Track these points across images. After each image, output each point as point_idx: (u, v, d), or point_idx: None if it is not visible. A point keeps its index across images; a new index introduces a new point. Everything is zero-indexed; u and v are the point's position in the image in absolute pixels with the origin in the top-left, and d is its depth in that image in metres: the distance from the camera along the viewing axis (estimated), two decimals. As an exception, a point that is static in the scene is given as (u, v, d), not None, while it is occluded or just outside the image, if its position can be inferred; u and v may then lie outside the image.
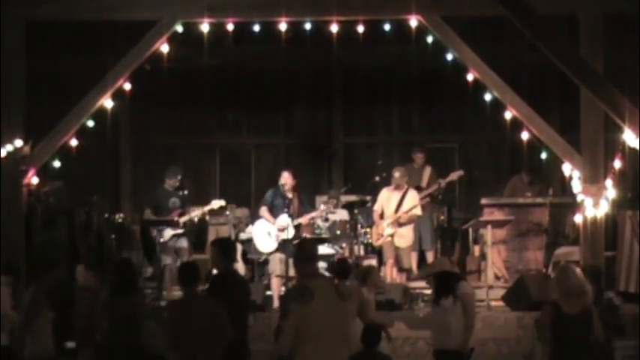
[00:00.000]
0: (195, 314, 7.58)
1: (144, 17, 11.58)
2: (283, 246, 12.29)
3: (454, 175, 13.81)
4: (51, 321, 8.51)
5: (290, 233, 12.35)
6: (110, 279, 8.50)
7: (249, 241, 13.08)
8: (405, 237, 12.60)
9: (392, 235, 12.59)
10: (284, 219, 12.36)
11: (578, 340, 7.48)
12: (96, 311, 8.53)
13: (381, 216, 12.78)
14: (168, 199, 12.60)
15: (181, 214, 12.50)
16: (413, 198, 12.71)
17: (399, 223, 12.57)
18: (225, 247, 8.53)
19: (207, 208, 12.82)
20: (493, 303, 11.52)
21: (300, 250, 7.15)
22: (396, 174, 12.76)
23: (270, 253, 12.37)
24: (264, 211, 12.54)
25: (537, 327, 7.85)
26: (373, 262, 12.91)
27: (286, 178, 12.47)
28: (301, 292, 6.76)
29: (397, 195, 12.70)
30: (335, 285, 7.17)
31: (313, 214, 12.68)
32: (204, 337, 7.50)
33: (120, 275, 8.28)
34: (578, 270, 7.76)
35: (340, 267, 9.70)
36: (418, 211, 12.70)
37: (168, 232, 12.41)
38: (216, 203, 12.86)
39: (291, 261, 12.37)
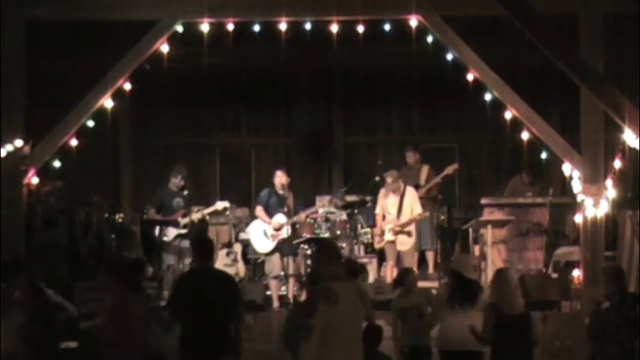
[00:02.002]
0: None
1: (144, 17, 11.57)
2: (281, 246, 12.31)
3: (449, 169, 13.81)
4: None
5: (286, 232, 12.36)
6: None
7: (248, 242, 13.10)
8: (406, 242, 12.56)
9: (392, 241, 12.57)
10: (280, 218, 12.38)
11: (517, 341, 7.83)
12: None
13: (384, 217, 12.74)
14: (173, 199, 12.61)
15: (185, 215, 12.50)
16: (412, 198, 12.67)
17: (398, 231, 12.53)
18: (198, 246, 8.48)
19: (211, 209, 12.82)
20: (493, 303, 11.50)
21: (320, 251, 7.31)
22: (389, 179, 12.62)
23: (267, 254, 12.39)
24: (259, 210, 12.56)
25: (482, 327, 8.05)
26: (373, 262, 12.93)
27: (281, 177, 12.50)
28: (327, 294, 6.90)
29: (396, 197, 12.65)
30: (357, 288, 7.25)
31: (310, 210, 12.70)
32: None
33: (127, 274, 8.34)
34: (512, 273, 8.27)
35: (350, 267, 9.62)
36: (418, 210, 12.64)
37: (172, 232, 12.42)
38: (221, 204, 12.87)
39: (287, 261, 12.41)
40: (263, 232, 12.41)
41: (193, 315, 7.95)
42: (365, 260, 12.94)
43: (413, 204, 12.61)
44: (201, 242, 8.61)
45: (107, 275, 7.97)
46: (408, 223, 12.49)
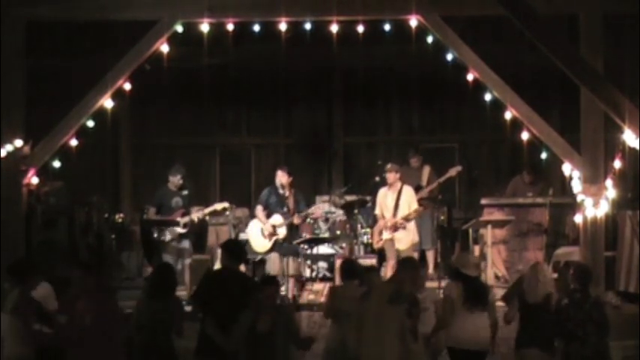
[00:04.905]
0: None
1: (144, 17, 11.58)
2: (279, 246, 12.31)
3: (452, 171, 13.79)
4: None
5: (282, 232, 12.35)
6: (149, 280, 8.64)
7: (248, 242, 13.09)
8: (403, 240, 12.52)
9: (391, 238, 12.55)
10: (276, 218, 12.37)
11: (540, 321, 8.56)
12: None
13: (383, 216, 12.74)
14: (172, 199, 12.58)
15: (184, 214, 12.50)
16: (409, 196, 12.64)
17: (395, 228, 12.51)
18: (229, 248, 8.75)
19: (210, 209, 12.81)
20: (493, 303, 11.50)
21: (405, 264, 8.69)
22: (388, 166, 12.65)
23: (265, 253, 12.39)
24: (258, 210, 12.57)
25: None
26: (373, 262, 12.90)
27: (281, 177, 12.49)
28: (363, 292, 8.42)
29: (393, 195, 12.62)
30: (391, 290, 8.05)
31: (307, 212, 12.70)
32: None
33: (158, 278, 8.43)
34: (543, 267, 9.12)
35: (347, 268, 9.61)
36: (414, 206, 12.61)
37: (171, 232, 12.41)
38: (220, 205, 12.86)
39: (286, 261, 12.40)
40: (260, 232, 12.42)
41: (213, 312, 8.12)
42: (367, 261, 12.90)
43: (410, 202, 12.58)
44: (231, 245, 9.06)
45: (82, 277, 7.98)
46: (404, 220, 12.48)
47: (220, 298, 8.26)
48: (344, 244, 13.26)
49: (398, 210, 12.53)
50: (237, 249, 8.90)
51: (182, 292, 12.35)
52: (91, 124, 11.82)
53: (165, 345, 8.22)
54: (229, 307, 8.16)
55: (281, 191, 12.55)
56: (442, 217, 13.91)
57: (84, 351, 7.59)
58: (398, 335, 7.81)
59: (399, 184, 12.63)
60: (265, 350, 7.91)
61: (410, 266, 8.60)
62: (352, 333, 8.24)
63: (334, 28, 11.60)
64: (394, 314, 7.85)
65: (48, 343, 8.08)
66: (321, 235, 12.96)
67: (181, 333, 8.39)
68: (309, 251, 12.56)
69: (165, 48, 11.65)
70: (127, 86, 11.81)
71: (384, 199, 12.67)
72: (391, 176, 12.55)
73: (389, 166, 12.66)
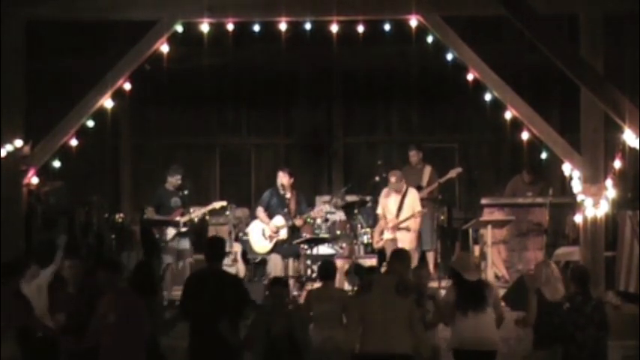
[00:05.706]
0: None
1: (144, 17, 11.58)
2: (279, 247, 12.30)
3: (453, 173, 13.78)
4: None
5: (284, 234, 12.34)
6: (131, 279, 8.65)
7: (248, 242, 13.10)
8: (406, 240, 12.56)
9: (393, 238, 12.56)
10: (279, 220, 12.36)
11: (555, 320, 8.54)
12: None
13: (385, 217, 12.74)
14: (170, 199, 12.60)
15: (183, 214, 12.51)
16: (413, 198, 12.67)
17: (397, 228, 12.52)
18: (209, 246, 8.62)
19: (208, 208, 12.82)
20: (493, 303, 11.48)
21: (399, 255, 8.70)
22: (392, 179, 12.68)
23: (266, 254, 12.39)
24: (259, 211, 12.57)
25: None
26: (373, 262, 12.90)
27: (282, 178, 12.49)
28: (364, 284, 8.81)
29: (397, 196, 12.65)
30: (397, 281, 7.99)
31: (305, 215, 12.68)
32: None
33: (137, 277, 8.41)
34: (553, 266, 9.07)
35: (324, 268, 9.60)
36: (418, 208, 12.64)
37: (171, 232, 12.42)
38: (218, 203, 12.87)
39: (287, 261, 12.40)
40: (262, 233, 12.43)
41: (199, 315, 8.05)
42: (368, 261, 12.90)
43: (414, 204, 12.61)
44: (208, 242, 8.84)
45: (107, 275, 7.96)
46: (406, 221, 12.48)
47: (204, 298, 8.13)
48: (344, 244, 13.26)
49: (401, 212, 12.56)
50: (216, 247, 8.61)
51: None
52: (91, 124, 11.81)
53: (150, 343, 8.17)
54: (214, 306, 8.07)
55: (282, 192, 12.54)
56: (442, 217, 13.91)
57: (108, 349, 7.60)
58: (406, 324, 7.80)
59: (403, 187, 12.67)
60: (280, 353, 7.95)
61: (401, 257, 8.57)
62: (350, 329, 8.20)
63: (334, 28, 11.60)
64: (402, 304, 7.87)
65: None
66: (321, 235, 12.96)
67: (163, 331, 8.37)
68: (309, 251, 12.57)
69: (165, 48, 11.65)
70: (127, 86, 11.81)
71: (387, 200, 12.68)
72: (398, 185, 12.59)
73: (394, 178, 12.64)
